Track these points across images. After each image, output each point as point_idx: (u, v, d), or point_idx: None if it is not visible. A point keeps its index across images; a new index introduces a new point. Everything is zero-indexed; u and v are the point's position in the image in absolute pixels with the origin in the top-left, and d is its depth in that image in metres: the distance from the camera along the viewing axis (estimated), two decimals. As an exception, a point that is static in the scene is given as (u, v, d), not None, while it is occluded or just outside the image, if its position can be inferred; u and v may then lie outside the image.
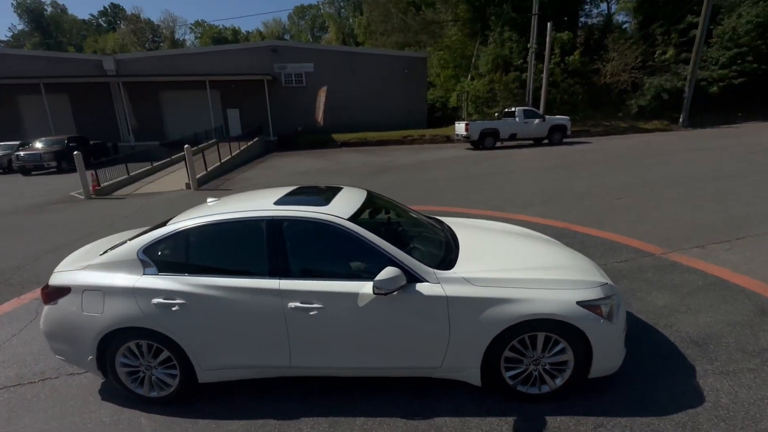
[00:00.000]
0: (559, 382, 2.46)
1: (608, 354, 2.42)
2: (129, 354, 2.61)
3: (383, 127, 24.96)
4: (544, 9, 20.55)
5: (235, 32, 70.55)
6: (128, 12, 68.60)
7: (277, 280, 2.46)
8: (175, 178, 12.82)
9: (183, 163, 16.39)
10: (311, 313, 2.40)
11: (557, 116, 17.88)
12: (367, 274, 2.42)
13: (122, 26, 68.15)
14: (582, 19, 26.96)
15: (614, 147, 15.32)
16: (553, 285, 2.43)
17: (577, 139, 18.36)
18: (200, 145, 19.90)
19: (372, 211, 3.12)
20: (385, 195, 3.70)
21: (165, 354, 2.57)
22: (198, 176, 11.55)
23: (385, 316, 2.39)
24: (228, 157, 15.21)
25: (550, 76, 20.75)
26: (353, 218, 2.59)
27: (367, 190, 3.33)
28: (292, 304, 2.41)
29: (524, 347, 2.42)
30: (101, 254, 2.77)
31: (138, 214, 8.68)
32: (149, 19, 67.55)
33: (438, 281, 2.40)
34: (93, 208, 9.83)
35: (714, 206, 6.53)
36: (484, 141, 16.92)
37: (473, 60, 25.32)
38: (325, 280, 2.46)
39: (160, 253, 2.61)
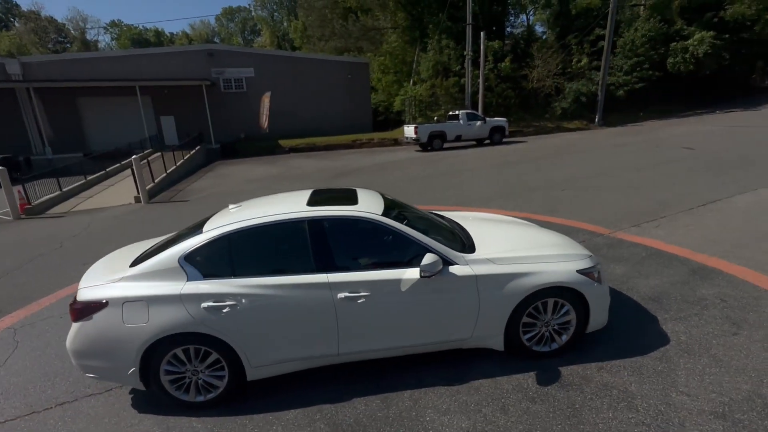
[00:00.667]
0: (564, 338, 2.98)
1: (601, 311, 2.99)
2: (175, 361, 2.65)
3: (329, 131, 25.06)
4: (476, 19, 22.19)
5: (158, 34, 65.61)
6: (24, 8, 60.44)
7: (325, 274, 2.67)
8: (117, 192, 11.85)
9: (122, 175, 15.24)
10: (359, 301, 2.65)
11: (496, 118, 19.42)
12: (405, 262, 2.75)
13: (17, 25, 59.87)
14: (508, 29, 29.44)
15: (547, 145, 17.05)
16: (556, 258, 2.95)
17: (513, 139, 20.07)
18: (134, 156, 18.53)
19: (387, 207, 3.43)
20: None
21: (213, 356, 2.65)
22: (146, 188, 10.82)
23: (424, 298, 2.73)
24: (173, 167, 14.37)
25: (485, 81, 22.41)
26: (385, 214, 2.89)
27: (377, 191, 3.63)
28: (341, 295, 2.64)
29: (537, 312, 2.90)
30: (131, 266, 2.75)
31: (88, 232, 8.00)
32: (52, 17, 60.04)
33: (467, 263, 2.79)
34: (30, 228, 8.82)
35: (638, 193, 7.75)
36: (432, 143, 17.84)
37: (414, 66, 26.40)
38: (369, 270, 2.73)
39: (202, 258, 2.68)
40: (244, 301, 2.58)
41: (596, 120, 23.31)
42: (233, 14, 72.63)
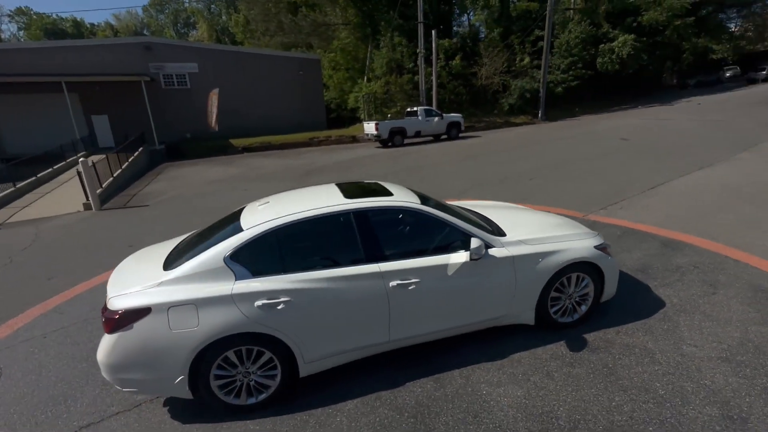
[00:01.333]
0: (584, 309, 3.30)
1: (613, 282, 3.34)
2: (226, 364, 2.55)
3: (283, 130, 24.41)
4: (427, 17, 22.75)
5: (77, 24, 59.01)
6: None
7: (376, 264, 2.72)
8: (58, 199, 10.63)
9: (57, 181, 13.65)
10: (410, 288, 2.74)
11: (452, 114, 20.13)
12: (447, 248, 2.89)
13: None
14: (455, 29, 30.54)
15: (501, 139, 18.05)
16: (575, 237, 3.25)
17: (469, 134, 20.95)
18: (68, 159, 16.70)
19: (421, 198, 3.49)
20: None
21: (266, 356, 2.59)
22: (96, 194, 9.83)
23: (468, 281, 2.88)
24: (119, 171, 13.17)
25: (438, 78, 23.12)
26: (422, 203, 2.99)
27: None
28: (393, 283, 2.71)
29: (562, 286, 3.18)
30: (168, 269, 2.59)
31: (40, 244, 7.14)
32: (-62, 2, 51.60)
33: (503, 245, 2.99)
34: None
35: (597, 179, 8.55)
36: (393, 139, 18.09)
37: (367, 62, 26.48)
38: (416, 258, 2.82)
39: (249, 256, 2.60)
40: (298, 296, 2.55)
41: (539, 115, 25.04)
42: (163, 5, 67.42)
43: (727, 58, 41.27)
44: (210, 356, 2.48)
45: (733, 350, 2.87)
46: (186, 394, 2.54)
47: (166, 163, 18.82)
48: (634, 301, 3.63)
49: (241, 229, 2.71)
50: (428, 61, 22.82)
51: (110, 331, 2.42)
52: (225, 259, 2.56)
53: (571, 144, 14.26)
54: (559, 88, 25.09)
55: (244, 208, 3.31)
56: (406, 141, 18.76)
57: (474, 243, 2.76)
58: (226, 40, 52.27)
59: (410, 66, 23.81)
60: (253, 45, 38.38)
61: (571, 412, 2.44)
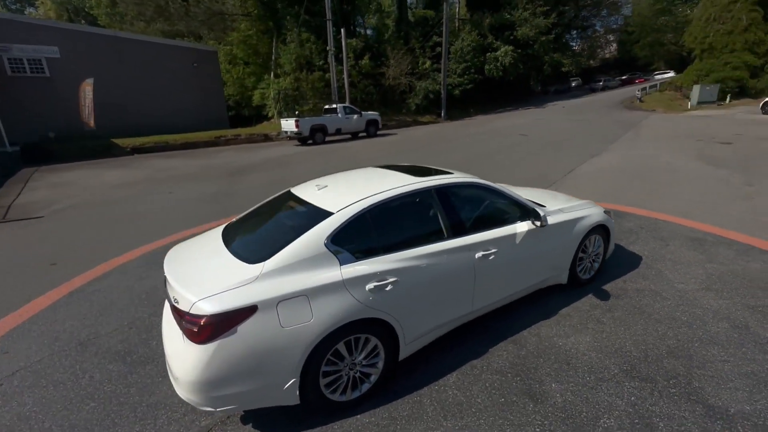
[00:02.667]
0: (596, 266, 3.88)
1: (613, 242, 3.99)
2: (335, 358, 2.35)
3: (178, 128, 21.79)
4: (335, 15, 22.73)
5: None
6: None
7: (462, 238, 2.80)
8: None
9: None
10: (490, 258, 2.89)
11: (370, 112, 20.55)
12: (513, 219, 3.13)
13: None
14: (359, 30, 31.10)
15: (417, 136, 19.14)
16: (589, 206, 3.80)
17: (385, 132, 21.66)
18: None
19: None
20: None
21: (372, 342, 2.46)
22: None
23: (530, 247, 3.16)
24: (-31, 178, 10.14)
25: (349, 77, 23.32)
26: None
27: None
28: (477, 255, 2.83)
29: (585, 249, 3.69)
30: (256, 261, 2.25)
31: None
32: None
33: (548, 215, 3.34)
34: None
35: (519, 169, 9.79)
36: (314, 136, 17.69)
37: (273, 58, 25.21)
38: (491, 229, 2.97)
39: (346, 238, 2.42)
40: (402, 275, 2.48)
41: (442, 115, 27.24)
42: (-18, -28, 53.05)
43: (572, 71, 50.76)
44: (322, 351, 2.25)
45: (706, 282, 3.73)
46: (293, 399, 2.25)
47: (27, 169, 15.06)
48: (620, 257, 4.39)
49: (326, 212, 2.49)
50: (338, 60, 22.85)
51: (205, 341, 2.01)
52: (326, 244, 2.34)
53: (483, 139, 15.93)
54: (457, 91, 27.66)
55: (290, 192, 3.04)
56: (327, 138, 18.55)
57: (540, 212, 3.05)
58: (83, 22, 43.81)
59: (320, 63, 23.49)
60: (121, 30, 33.07)
61: (636, 345, 2.90)
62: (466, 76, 27.54)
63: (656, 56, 47.30)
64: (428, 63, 26.89)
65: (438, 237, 2.74)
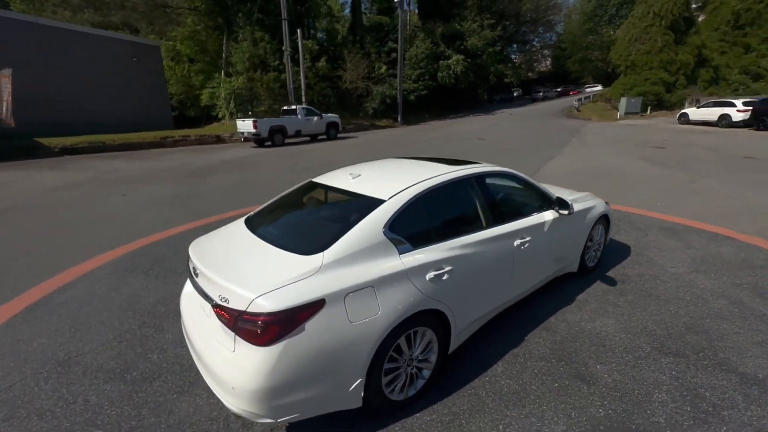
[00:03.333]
0: (599, 255, 4.08)
1: (611, 228, 4.23)
2: (396, 354, 2.20)
3: (114, 128, 19.85)
4: (290, 15, 22.17)
5: None
6: None
7: (501, 226, 2.78)
8: None
9: None
10: (525, 246, 2.90)
11: (330, 114, 20.20)
12: (541, 207, 3.18)
13: None
14: (313, 32, 30.59)
15: (378, 139, 19.18)
16: (593, 197, 3.99)
17: (345, 135, 21.44)
18: None
19: None
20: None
21: (428, 335, 2.35)
22: None
23: (555, 235, 3.23)
24: None
25: (305, 79, 22.83)
26: None
27: None
28: (516, 242, 2.83)
29: (592, 237, 3.87)
30: (316, 254, 2.04)
31: None
32: None
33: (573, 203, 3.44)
34: None
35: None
36: (273, 138, 17.01)
37: (224, 56, 23.95)
38: (524, 218, 3.00)
39: (401, 226, 2.29)
40: (456, 263, 2.40)
41: (399, 119, 27.61)
42: None
43: (513, 82, 54.20)
44: (386, 347, 2.09)
45: (693, 266, 4.08)
46: (356, 402, 2.06)
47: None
48: (610, 246, 4.66)
49: (377, 200, 2.34)
50: (294, 61, 22.29)
51: (270, 342, 1.77)
52: (384, 232, 2.19)
53: (445, 142, 16.36)
54: (412, 96, 28.24)
55: (317, 183, 2.85)
56: (286, 141, 17.94)
57: (567, 200, 3.13)
58: (-10, 7, 38.45)
59: (275, 63, 22.74)
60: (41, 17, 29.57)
61: (656, 324, 3.07)
62: (420, 82, 28.22)
63: (586, 71, 52.02)
64: (384, 68, 27.18)
65: (480, 225, 2.70)
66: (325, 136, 19.56)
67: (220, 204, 7.26)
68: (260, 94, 22.52)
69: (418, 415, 2.28)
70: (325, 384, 1.91)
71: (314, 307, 1.85)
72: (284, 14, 21.35)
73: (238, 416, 1.93)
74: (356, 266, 2.04)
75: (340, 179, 2.78)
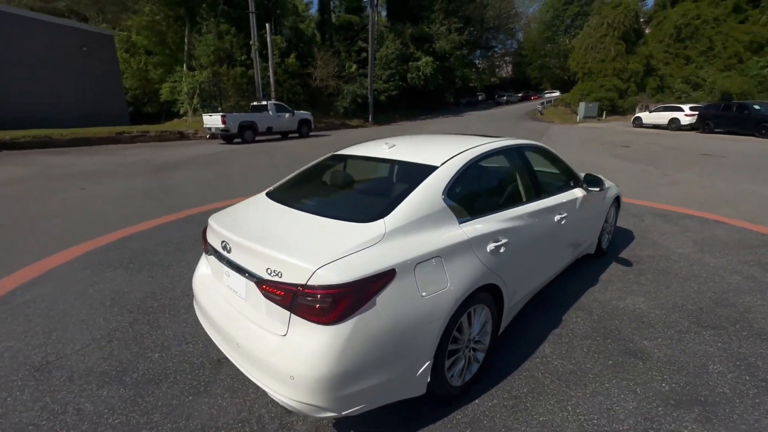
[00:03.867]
0: (609, 237, 4.08)
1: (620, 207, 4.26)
2: (458, 335, 1.98)
3: (61, 122, 18.21)
4: (258, 9, 21.39)
5: None
6: None
7: (542, 200, 2.65)
8: None
9: None
10: (563, 222, 2.79)
11: (302, 111, 19.61)
12: (571, 185, 3.10)
13: None
14: (280, 28, 29.76)
15: (353, 138, 18.84)
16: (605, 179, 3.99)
17: (316, 133, 20.93)
18: None
19: None
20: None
21: (485, 313, 2.15)
22: None
23: (583, 213, 3.16)
24: None
25: (275, 75, 22.10)
26: None
27: None
28: (557, 218, 2.71)
29: (607, 219, 3.85)
30: (374, 221, 1.78)
31: None
32: None
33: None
34: None
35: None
36: (243, 134, 16.24)
37: (186, 49, 22.66)
38: (559, 194, 2.89)
39: (458, 194, 2.09)
40: (511, 235, 2.22)
41: (369, 119, 27.44)
42: None
43: (477, 87, 55.79)
44: (451, 325, 1.86)
45: (697, 246, 4.19)
46: (420, 388, 1.82)
47: None
48: (616, 231, 4.71)
49: (428, 166, 2.12)
50: (263, 56, 21.52)
51: (338, 319, 1.49)
52: (444, 199, 1.97)
53: (421, 140, 16.33)
54: (383, 97, 28.19)
55: (346, 155, 2.59)
56: (256, 138, 17.19)
57: (596, 178, 3.07)
58: None
59: (242, 58, 21.82)
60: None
61: (684, 300, 3.06)
62: (391, 83, 28.25)
63: (545, 77, 54.50)
64: (354, 67, 26.93)
65: (525, 198, 2.55)
66: (297, 134, 18.98)
67: (198, 197, 6.70)
68: (227, 90, 21.50)
69: (477, 401, 2.07)
70: (395, 368, 1.66)
71: (385, 278, 1.59)
72: (252, 7, 20.55)
73: (290, 412, 1.63)
74: (420, 235, 1.81)
75: (375, 150, 2.53)
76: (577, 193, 3.07)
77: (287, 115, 18.12)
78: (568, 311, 2.93)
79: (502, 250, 2.12)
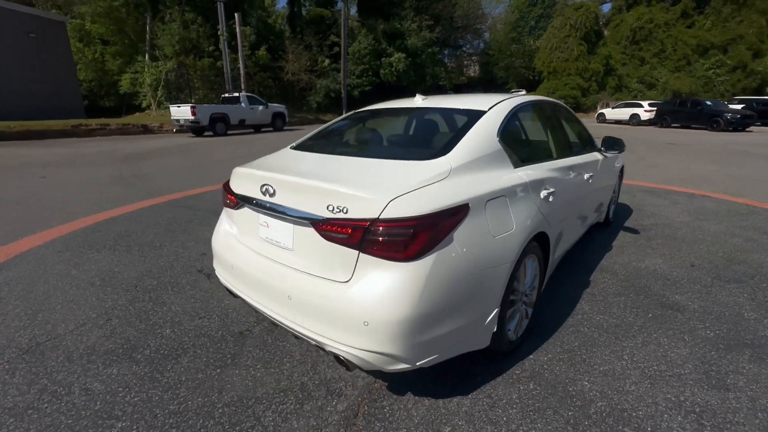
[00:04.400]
0: (614, 207, 4.12)
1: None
2: (516, 283, 1.87)
3: (5, 115, 16.67)
4: (226, -1, 20.54)
5: None
6: None
7: (576, 157, 2.61)
8: None
9: None
10: (589, 181, 2.76)
11: (276, 104, 18.96)
12: (590, 147, 3.08)
13: None
14: (248, 18, 28.77)
15: (328, 131, 18.50)
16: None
17: (290, 127, 20.37)
18: None
19: None
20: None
21: (534, 266, 2.06)
22: None
23: (602, 176, 3.15)
24: None
25: (245, 68, 21.31)
26: None
27: None
28: (586, 175, 2.67)
29: (614, 189, 3.89)
30: (437, 158, 1.64)
31: None
32: None
33: (600, 149, 3.40)
34: None
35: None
36: (214, 127, 15.50)
37: (148, 38, 21.38)
38: (584, 154, 2.86)
39: (507, 139, 1.98)
40: (558, 186, 2.15)
41: (343, 114, 27.05)
42: None
43: (446, 85, 56.58)
44: (514, 272, 1.75)
45: (694, 215, 4.34)
46: (484, 340, 1.69)
47: None
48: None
49: (477, 111, 2.00)
50: (232, 47, 20.70)
51: (418, 254, 1.34)
52: (499, 141, 1.86)
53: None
54: (356, 92, 27.93)
55: (379, 108, 2.44)
56: (228, 131, 16.47)
57: (617, 140, 3.06)
58: None
59: (210, 49, 20.87)
60: None
61: (698, 260, 3.13)
62: (364, 78, 28.04)
63: (511, 77, 56.09)
64: (327, 61, 26.50)
65: (560, 152, 2.49)
66: (270, 128, 18.38)
67: (179, 183, 6.26)
68: (194, 82, 20.49)
69: (531, 357, 1.97)
70: (469, 313, 1.52)
71: (461, 212, 1.45)
72: (220, -5, 19.70)
73: (352, 367, 1.45)
74: (482, 174, 1.68)
75: (412, 102, 2.37)
76: (597, 155, 3.06)
77: (261, 107, 17.48)
78: (594, 273, 2.91)
79: (551, 199, 2.04)
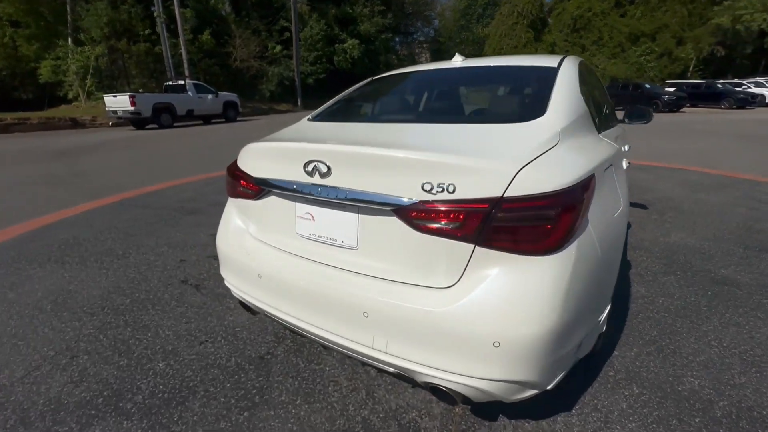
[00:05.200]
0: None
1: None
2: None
3: None
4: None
5: None
6: None
7: (619, 125, 2.38)
8: None
9: None
10: (627, 152, 2.55)
11: (226, 93, 17.54)
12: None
13: None
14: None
15: (287, 121, 17.52)
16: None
17: (244, 118, 19.07)
18: None
19: None
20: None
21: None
22: None
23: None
24: None
25: (188, 54, 19.56)
26: None
27: None
28: (626, 147, 2.45)
29: (619, 163, 3.79)
30: (532, 120, 1.28)
31: None
32: None
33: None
34: None
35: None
36: (159, 118, 14.03)
37: (69, 18, 18.83)
38: (620, 124, 2.64)
39: (586, 100, 1.67)
40: (614, 160, 1.87)
41: (298, 103, 25.96)
42: None
43: (399, 73, 56.37)
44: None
45: (690, 188, 4.40)
46: (593, 344, 1.38)
47: None
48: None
49: (546, 67, 1.67)
50: (171, 31, 18.85)
51: (560, 245, 0.98)
52: (583, 101, 1.54)
53: (362, 121, 15.76)
54: (310, 80, 26.82)
55: (417, 70, 2.04)
56: (175, 123, 15.01)
57: (645, 111, 2.88)
58: None
59: (146, 33, 18.84)
60: None
61: (719, 231, 3.08)
62: (318, 65, 26.95)
63: (461, 65, 57.17)
64: (278, 48, 25.09)
65: (611, 120, 2.24)
66: (222, 119, 17.03)
67: (129, 180, 5.41)
68: (130, 69, 18.43)
69: (617, 352, 1.71)
70: (596, 313, 1.21)
71: (590, 185, 1.11)
72: (153, -27, 17.77)
73: (459, 399, 1.08)
74: (582, 139, 1.35)
75: (453, 64, 1.98)
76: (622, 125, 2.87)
77: (210, 96, 16.11)
78: (628, 252, 2.74)
79: (625, 166, 1.78)
